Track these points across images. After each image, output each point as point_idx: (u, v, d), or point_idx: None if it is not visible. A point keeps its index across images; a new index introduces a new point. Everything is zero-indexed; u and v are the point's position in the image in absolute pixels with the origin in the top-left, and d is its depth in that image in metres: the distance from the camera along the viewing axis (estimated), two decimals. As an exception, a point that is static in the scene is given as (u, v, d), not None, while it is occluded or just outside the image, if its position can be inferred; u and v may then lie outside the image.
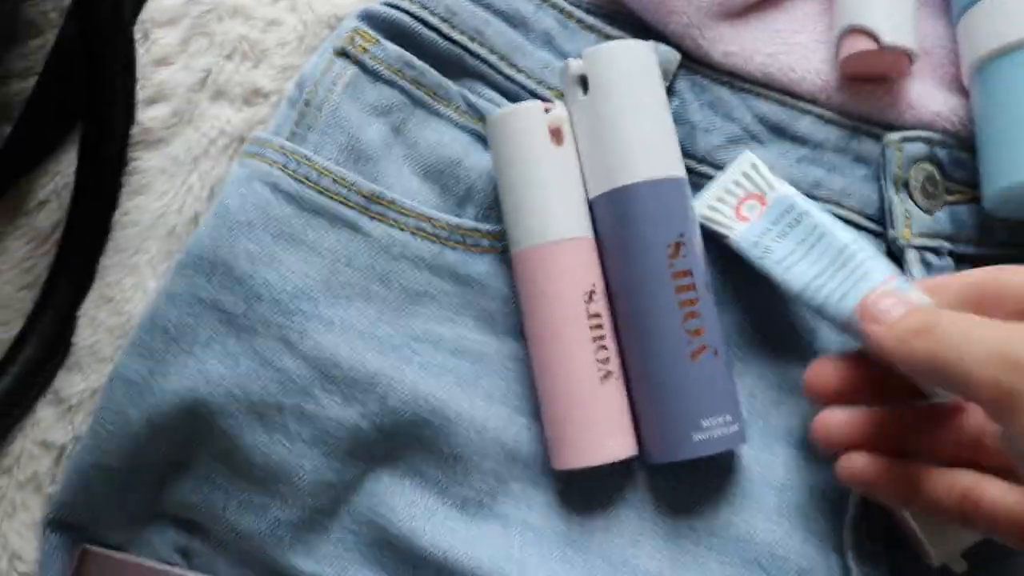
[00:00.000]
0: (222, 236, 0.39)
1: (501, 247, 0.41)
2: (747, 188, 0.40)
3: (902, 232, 0.41)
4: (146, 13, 0.44)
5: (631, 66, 0.39)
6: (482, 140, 0.42)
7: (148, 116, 0.43)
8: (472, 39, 0.43)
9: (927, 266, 0.41)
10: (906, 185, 0.41)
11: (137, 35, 0.44)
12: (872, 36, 0.40)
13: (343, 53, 0.41)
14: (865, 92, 0.43)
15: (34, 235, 0.43)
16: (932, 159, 0.42)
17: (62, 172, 0.43)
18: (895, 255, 0.42)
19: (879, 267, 0.37)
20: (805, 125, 0.43)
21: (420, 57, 0.42)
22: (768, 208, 0.39)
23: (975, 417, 0.34)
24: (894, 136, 0.42)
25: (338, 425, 0.39)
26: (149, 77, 0.44)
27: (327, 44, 0.42)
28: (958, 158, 0.42)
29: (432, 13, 0.42)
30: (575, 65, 0.40)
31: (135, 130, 0.43)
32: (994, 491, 0.32)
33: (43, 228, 0.43)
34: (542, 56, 0.43)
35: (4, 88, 0.43)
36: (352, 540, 0.40)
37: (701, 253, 0.39)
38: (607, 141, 0.39)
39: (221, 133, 0.43)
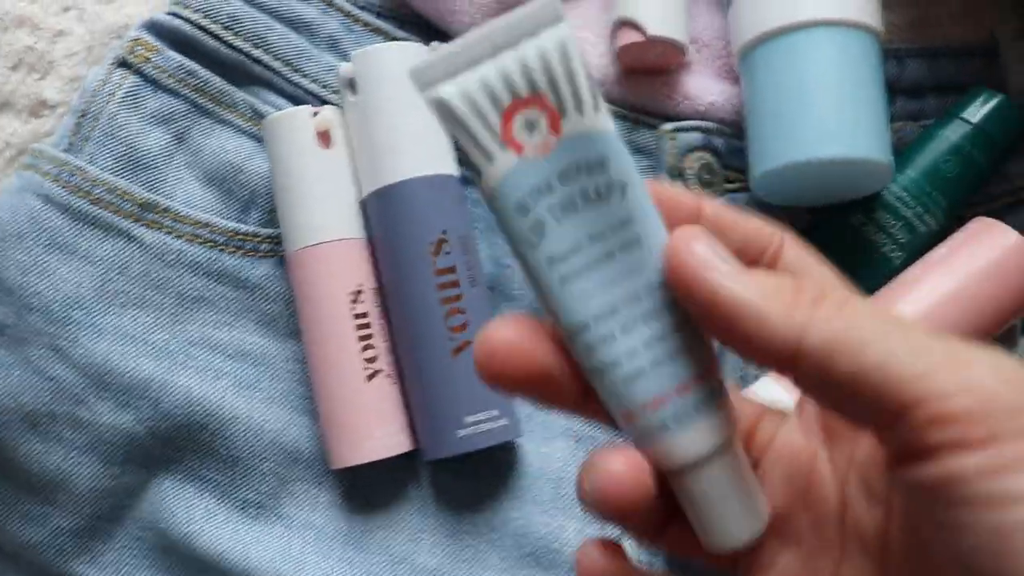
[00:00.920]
0: (-6, 248, 0.39)
1: (281, 251, 0.42)
2: (534, 86, 0.22)
3: (681, 222, 0.41)
4: (-58, 28, 0.45)
5: (398, 67, 0.40)
6: (266, 145, 0.43)
7: (-54, 132, 0.44)
8: (256, 46, 0.43)
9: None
10: (681, 174, 0.42)
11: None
12: (639, 28, 0.41)
13: (123, 63, 0.42)
14: (644, 84, 0.43)
15: None
16: (709, 148, 0.42)
17: None
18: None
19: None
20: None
21: (205, 65, 0.43)
22: (563, 142, 0.22)
23: None
24: (667, 126, 0.42)
25: (113, 431, 0.39)
26: (-53, 93, 0.44)
27: (109, 54, 0.42)
28: (735, 146, 0.42)
29: (214, 21, 0.43)
30: (345, 68, 0.40)
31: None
32: None
33: None
34: (328, 60, 0.44)
35: None
36: (138, 546, 0.40)
37: (473, 249, 0.40)
38: (374, 141, 0.39)
39: (7, 145, 0.43)
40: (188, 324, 0.41)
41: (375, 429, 0.38)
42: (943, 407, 0.18)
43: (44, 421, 0.39)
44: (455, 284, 0.39)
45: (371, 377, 0.39)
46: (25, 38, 0.43)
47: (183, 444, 0.40)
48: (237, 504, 0.40)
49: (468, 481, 0.41)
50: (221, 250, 0.41)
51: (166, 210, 0.41)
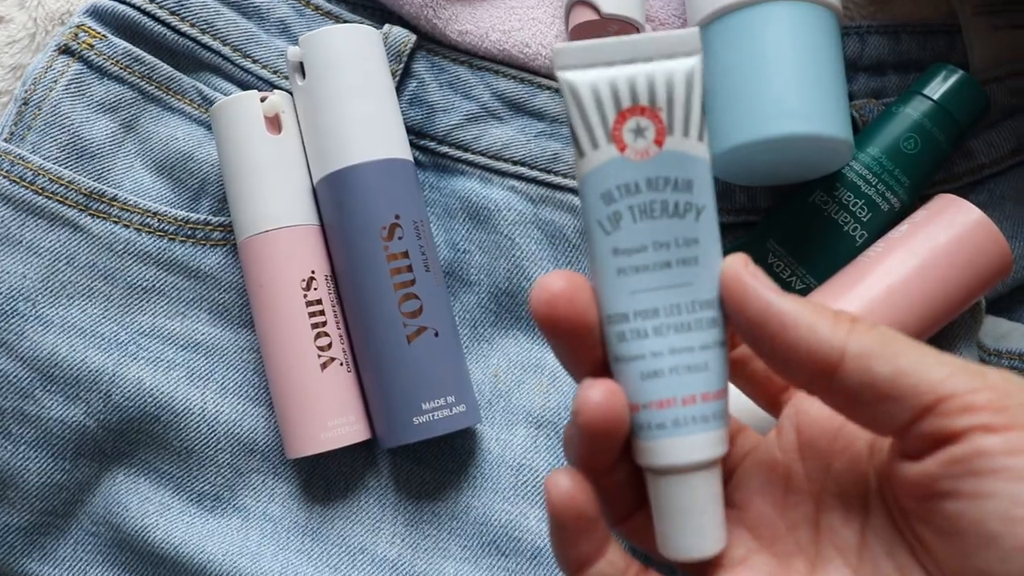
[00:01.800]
0: (-63, 241, 0.38)
1: (233, 239, 0.41)
2: (654, 99, 0.24)
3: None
4: None
5: (347, 50, 0.39)
6: (216, 132, 0.42)
7: None
8: (204, 31, 0.42)
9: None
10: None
11: None
12: (593, 7, 0.40)
13: (66, 50, 0.41)
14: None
15: None
16: (667, 129, 0.42)
17: None
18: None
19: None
20: (542, 100, 0.42)
21: (151, 51, 0.42)
22: (662, 154, 0.24)
23: None
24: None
25: (62, 425, 0.38)
26: None
27: (52, 41, 0.41)
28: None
29: (160, 6, 0.42)
30: (293, 52, 0.40)
31: None
32: None
33: None
34: (278, 45, 0.43)
35: None
36: (92, 542, 0.39)
37: (427, 234, 0.39)
38: (323, 125, 0.39)
39: (-50, 137, 0.42)
40: (138, 315, 0.40)
41: (331, 418, 0.38)
42: (971, 399, 0.21)
43: (-9, 417, 0.38)
44: (408, 269, 0.38)
45: (325, 365, 0.38)
46: (-34, 26, 0.42)
47: (135, 437, 0.39)
48: (192, 497, 0.39)
49: (428, 470, 0.40)
50: (171, 239, 0.40)
51: (114, 199, 0.40)
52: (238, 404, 0.40)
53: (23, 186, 0.39)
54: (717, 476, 0.26)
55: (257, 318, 0.39)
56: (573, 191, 0.42)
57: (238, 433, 0.40)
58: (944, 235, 0.39)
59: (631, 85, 0.24)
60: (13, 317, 0.38)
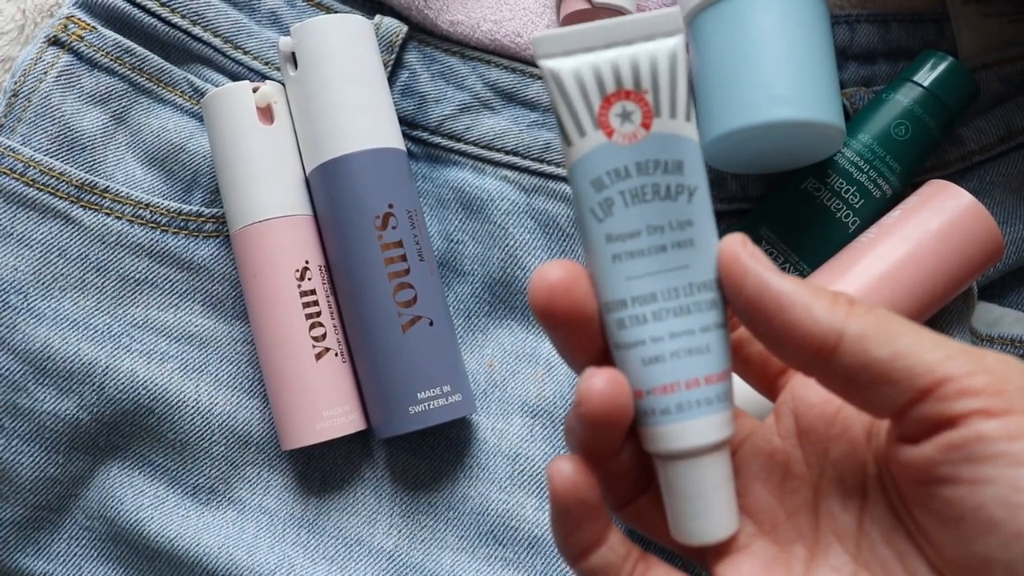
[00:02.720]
0: (-73, 234, 0.38)
1: (226, 231, 0.41)
2: (639, 82, 0.24)
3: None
4: None
5: (339, 40, 0.39)
6: (208, 123, 0.42)
7: None
8: (194, 23, 0.42)
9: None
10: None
11: None
12: (585, -4, 0.40)
13: (56, 41, 0.40)
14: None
15: None
16: (659, 117, 0.42)
17: None
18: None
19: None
20: (534, 90, 0.42)
21: (142, 43, 0.42)
22: (651, 137, 0.24)
23: None
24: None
25: (56, 418, 0.38)
26: None
27: (41, 33, 0.41)
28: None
29: (151, -2, 0.42)
30: (285, 42, 0.39)
31: None
32: None
33: None
34: (269, 36, 0.43)
35: None
36: (87, 537, 0.39)
37: (420, 223, 0.39)
38: (315, 115, 0.39)
39: (-62, 130, 0.42)
40: (131, 307, 0.40)
41: (326, 409, 0.38)
42: (968, 383, 0.21)
43: (-17, 410, 0.38)
44: (403, 258, 0.38)
45: (320, 356, 0.38)
46: (-45, 18, 0.42)
47: (129, 430, 0.39)
48: (187, 489, 0.39)
49: (424, 460, 0.40)
50: (164, 231, 0.40)
51: (105, 191, 0.40)
52: (232, 396, 0.40)
53: (14, 178, 0.39)
54: (726, 458, 0.25)
55: (251, 309, 0.39)
56: (566, 180, 0.42)
57: (232, 425, 0.40)
58: (936, 220, 0.39)
59: (614, 70, 0.24)
60: (5, 310, 0.38)
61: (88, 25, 0.41)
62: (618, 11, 0.40)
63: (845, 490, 0.25)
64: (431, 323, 0.38)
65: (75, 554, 0.39)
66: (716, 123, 0.39)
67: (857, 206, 0.42)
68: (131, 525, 0.38)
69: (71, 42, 0.40)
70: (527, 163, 0.42)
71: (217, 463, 0.39)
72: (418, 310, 0.38)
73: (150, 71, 0.41)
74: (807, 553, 0.25)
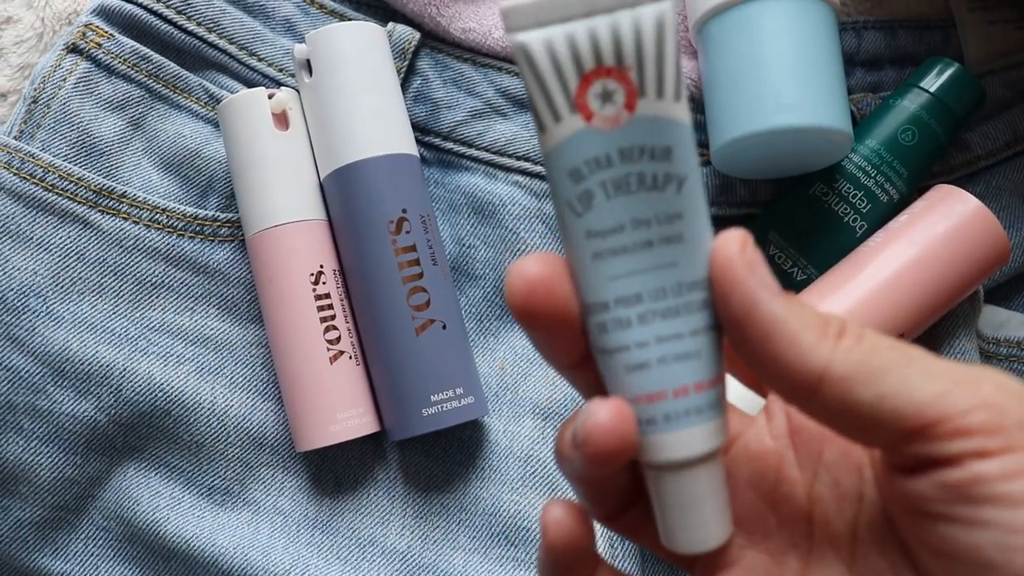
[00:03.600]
0: (-52, 238, 0.39)
1: (241, 235, 0.41)
2: (621, 58, 0.21)
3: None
4: None
5: (353, 47, 0.39)
6: (223, 129, 0.43)
7: None
8: (210, 30, 0.43)
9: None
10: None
11: None
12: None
13: (74, 49, 0.41)
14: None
15: None
16: (669, 123, 0.42)
17: None
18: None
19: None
20: (545, 96, 0.43)
21: (159, 50, 0.42)
22: (635, 121, 0.21)
23: None
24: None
25: (74, 420, 0.38)
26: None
27: (60, 40, 0.42)
28: (695, 121, 0.42)
29: (167, 6, 0.42)
30: (300, 49, 0.40)
31: None
32: None
33: None
34: (284, 43, 0.43)
35: None
36: (103, 537, 0.40)
37: (433, 228, 0.39)
38: (330, 121, 0.39)
39: (-41, 136, 0.42)
40: (148, 310, 0.40)
41: (340, 411, 0.38)
42: (963, 423, 0.20)
43: (3, 412, 0.38)
44: (416, 263, 0.38)
45: (334, 359, 0.38)
46: (-26, 26, 0.43)
47: (146, 431, 0.39)
48: (203, 491, 0.40)
49: (436, 462, 0.41)
50: (180, 235, 0.41)
51: (123, 196, 0.40)
52: (247, 399, 0.40)
53: (33, 183, 0.39)
54: (718, 466, 0.24)
55: (266, 312, 0.39)
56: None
57: (247, 427, 0.40)
58: (943, 224, 0.40)
59: (593, 42, 0.21)
60: (24, 313, 0.38)
61: (106, 33, 0.41)
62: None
63: (840, 494, 0.24)
64: (444, 326, 0.38)
65: (92, 554, 0.39)
66: (725, 129, 0.39)
67: (864, 211, 0.42)
68: (147, 526, 0.39)
69: (89, 49, 0.41)
70: (538, 168, 0.42)
71: (232, 464, 0.40)
72: (431, 313, 0.38)
73: (166, 78, 0.42)
74: (801, 564, 0.25)
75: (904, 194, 0.42)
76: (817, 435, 0.25)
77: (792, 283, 0.42)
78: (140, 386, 0.39)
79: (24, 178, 0.39)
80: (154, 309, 0.40)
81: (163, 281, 0.40)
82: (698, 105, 0.43)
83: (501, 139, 0.43)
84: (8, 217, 0.39)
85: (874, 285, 0.39)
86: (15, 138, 0.40)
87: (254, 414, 0.40)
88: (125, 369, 0.39)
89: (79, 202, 0.40)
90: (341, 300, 0.39)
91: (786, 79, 0.38)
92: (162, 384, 0.39)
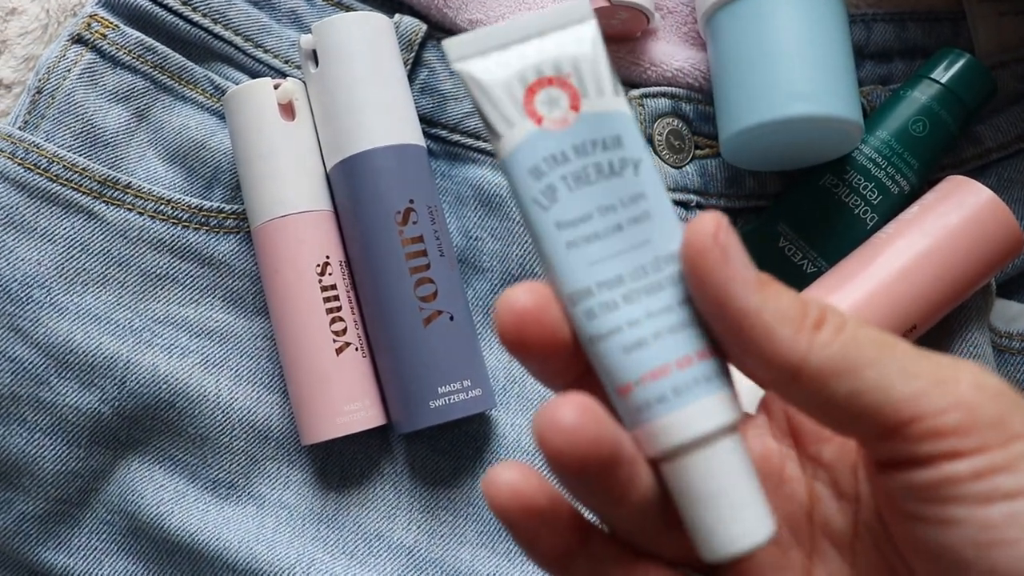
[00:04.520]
0: (-49, 229, 0.38)
1: (247, 227, 0.41)
2: (559, 68, 0.23)
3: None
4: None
5: (360, 37, 0.39)
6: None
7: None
8: (215, 21, 0.42)
9: (677, 221, 0.41)
10: (650, 141, 0.41)
11: None
12: (603, -7, 0.40)
13: (79, 39, 0.41)
14: (609, 51, 0.42)
15: None
16: (677, 114, 0.42)
17: None
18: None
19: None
20: (553, 87, 0.42)
21: (164, 41, 0.42)
22: (581, 119, 0.23)
23: None
24: (634, 92, 0.42)
25: (77, 412, 0.38)
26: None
27: (65, 31, 0.42)
28: (704, 112, 0.42)
29: (173, -4, 0.42)
30: (306, 39, 0.40)
31: None
32: None
33: None
34: (289, 35, 0.43)
35: None
36: (107, 531, 0.39)
37: (440, 219, 0.39)
38: (336, 112, 0.39)
39: (-37, 128, 0.42)
40: (152, 302, 0.40)
41: (346, 403, 0.38)
42: (936, 423, 0.20)
43: (6, 403, 0.38)
44: (423, 253, 0.38)
45: (340, 350, 0.38)
46: (-21, 17, 0.42)
47: (150, 424, 0.39)
48: (207, 484, 0.39)
49: (443, 456, 0.40)
50: (185, 227, 0.40)
51: (128, 186, 0.40)
52: (252, 391, 0.40)
53: (37, 173, 0.39)
54: (742, 445, 0.22)
55: (272, 304, 0.39)
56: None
57: (252, 420, 0.40)
58: (955, 215, 0.39)
59: (533, 60, 0.23)
60: (28, 304, 0.38)
61: (111, 23, 0.41)
62: (637, 9, 0.40)
63: (839, 493, 0.24)
64: (451, 318, 0.38)
65: (95, 548, 0.39)
66: (736, 119, 0.39)
67: (875, 202, 0.42)
68: (151, 519, 0.38)
69: (94, 40, 0.41)
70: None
71: (237, 458, 0.40)
72: (438, 305, 0.38)
73: (171, 69, 0.42)
74: (804, 561, 0.24)
75: (915, 186, 0.42)
76: (815, 436, 0.25)
77: (802, 276, 0.42)
78: (144, 378, 0.38)
79: (29, 168, 0.39)
80: (159, 301, 0.40)
81: (168, 272, 0.40)
82: (706, 96, 0.42)
83: (508, 131, 0.42)
84: (12, 207, 0.39)
85: (885, 277, 0.39)
86: (20, 128, 0.40)
87: (259, 407, 0.40)
88: (129, 361, 0.38)
89: (84, 193, 0.39)
90: (347, 291, 0.39)
91: (797, 68, 0.38)
92: (167, 376, 0.39)
